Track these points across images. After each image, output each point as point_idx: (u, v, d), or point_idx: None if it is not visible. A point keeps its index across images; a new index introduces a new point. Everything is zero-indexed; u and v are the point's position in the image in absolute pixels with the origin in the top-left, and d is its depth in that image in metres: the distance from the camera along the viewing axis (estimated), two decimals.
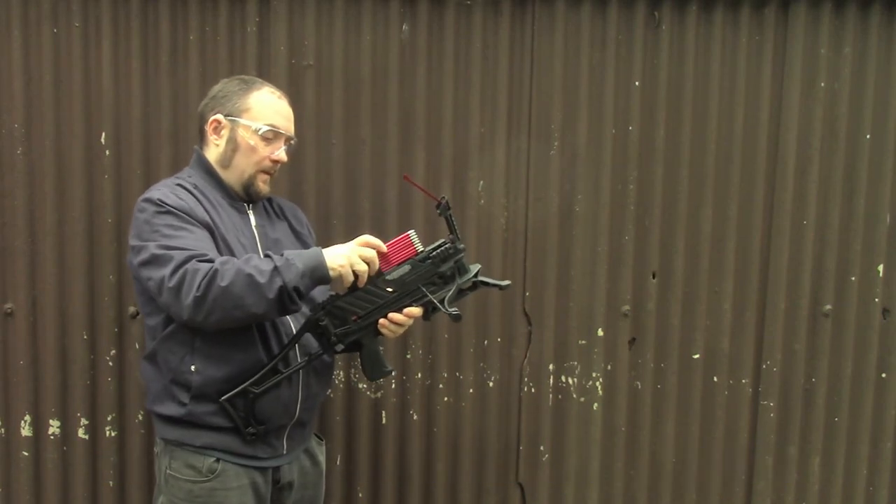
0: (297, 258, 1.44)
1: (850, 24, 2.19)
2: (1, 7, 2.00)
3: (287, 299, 1.43)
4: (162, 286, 1.44)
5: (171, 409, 1.56)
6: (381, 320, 1.55)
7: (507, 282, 1.64)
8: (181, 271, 1.42)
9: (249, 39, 2.06)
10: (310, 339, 1.61)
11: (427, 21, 2.10)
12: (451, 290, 1.55)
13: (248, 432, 1.57)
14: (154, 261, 1.46)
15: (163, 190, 1.56)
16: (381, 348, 1.64)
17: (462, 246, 1.55)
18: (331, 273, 1.47)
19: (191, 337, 1.53)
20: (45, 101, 2.02)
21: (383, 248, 1.52)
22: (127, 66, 2.04)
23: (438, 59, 2.12)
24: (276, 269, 1.42)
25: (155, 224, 1.49)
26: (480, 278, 1.59)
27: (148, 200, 1.54)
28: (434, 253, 1.53)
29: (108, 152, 2.05)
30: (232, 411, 1.55)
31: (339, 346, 1.58)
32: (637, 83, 2.16)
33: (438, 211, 1.54)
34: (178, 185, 1.59)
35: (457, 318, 1.53)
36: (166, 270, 1.43)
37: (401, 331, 1.58)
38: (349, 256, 1.48)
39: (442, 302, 1.54)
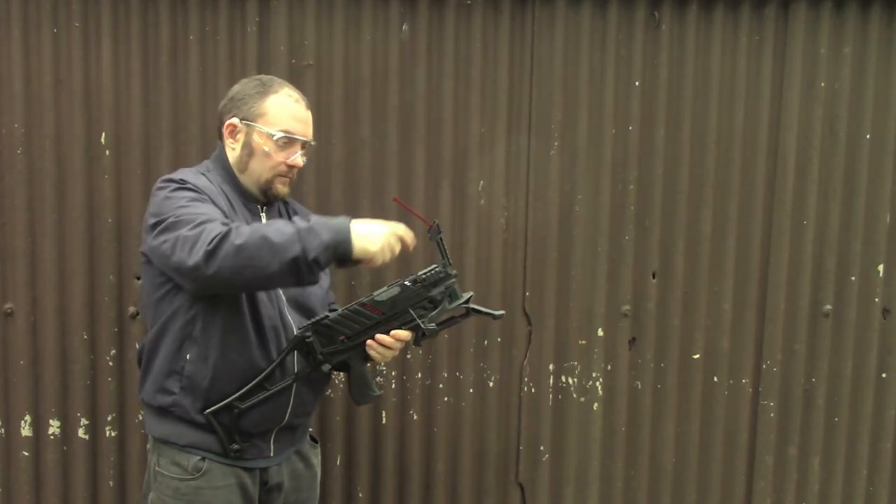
0: (322, 228, 1.40)
1: (850, 24, 2.19)
2: (1, 7, 2.00)
3: (304, 268, 1.38)
4: (176, 243, 1.41)
5: (159, 399, 1.56)
6: (369, 341, 1.54)
7: (500, 312, 1.62)
8: (199, 228, 1.40)
9: (249, 39, 2.06)
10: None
11: (427, 21, 2.10)
12: (436, 311, 1.53)
13: (232, 448, 1.56)
14: (172, 225, 1.43)
15: (186, 173, 1.58)
16: (369, 372, 1.63)
17: (454, 272, 1.54)
18: (355, 252, 1.41)
19: (191, 327, 1.53)
20: (45, 101, 2.02)
21: (409, 246, 1.51)
22: (127, 66, 2.04)
23: (438, 59, 2.12)
24: (297, 233, 1.38)
25: (175, 197, 1.49)
26: (472, 306, 1.58)
27: (169, 180, 1.54)
28: (424, 276, 1.51)
29: (108, 152, 2.05)
30: (216, 425, 1.54)
31: (326, 366, 1.56)
32: (637, 83, 2.16)
33: (429, 235, 1.52)
34: (202, 174, 1.61)
35: (433, 334, 1.54)
36: (184, 228, 1.41)
37: (389, 354, 1.56)
38: (383, 242, 1.44)
39: (426, 326, 1.52)
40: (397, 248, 1.48)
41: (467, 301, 1.57)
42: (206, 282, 1.40)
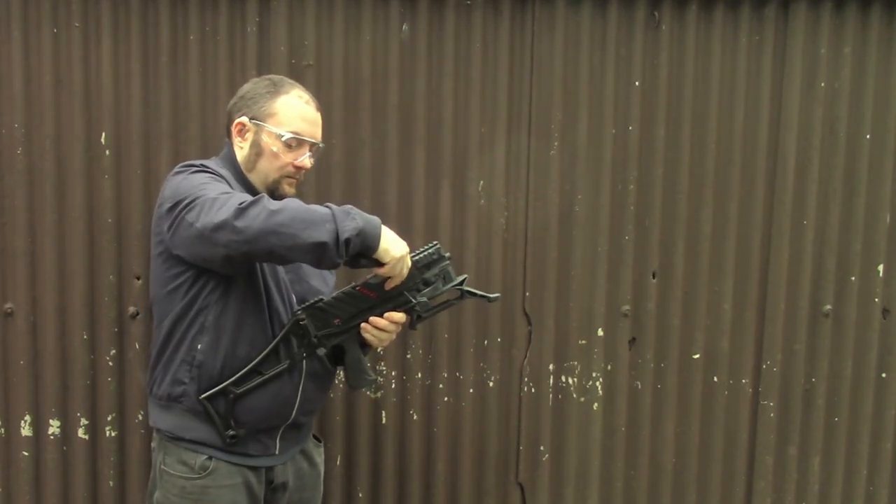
0: (357, 214, 1.40)
1: (850, 24, 2.19)
2: (1, 7, 2.00)
3: (332, 246, 1.36)
4: (203, 207, 1.39)
5: (172, 390, 1.55)
6: (363, 324, 1.54)
7: (495, 294, 1.62)
8: (229, 195, 1.40)
9: (249, 39, 2.06)
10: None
11: (427, 21, 2.10)
12: (429, 289, 1.53)
13: (227, 435, 1.55)
14: (198, 196, 1.42)
15: (202, 161, 1.59)
16: (365, 357, 1.63)
17: (448, 254, 1.54)
18: (379, 250, 1.41)
19: (203, 317, 1.52)
20: (45, 101, 2.02)
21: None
22: (127, 66, 2.04)
23: (438, 59, 2.12)
24: (332, 213, 1.38)
25: (196, 178, 1.49)
26: (466, 288, 1.58)
27: (188, 164, 1.54)
28: (418, 258, 1.51)
29: (108, 152, 2.05)
30: (212, 411, 1.53)
31: (321, 350, 1.56)
32: (637, 83, 2.16)
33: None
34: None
35: (426, 313, 1.53)
36: (212, 193, 1.41)
37: (385, 337, 1.56)
38: (404, 254, 1.45)
39: (417, 299, 1.52)
40: (406, 271, 1.48)
41: (461, 283, 1.57)
42: (228, 241, 1.36)
